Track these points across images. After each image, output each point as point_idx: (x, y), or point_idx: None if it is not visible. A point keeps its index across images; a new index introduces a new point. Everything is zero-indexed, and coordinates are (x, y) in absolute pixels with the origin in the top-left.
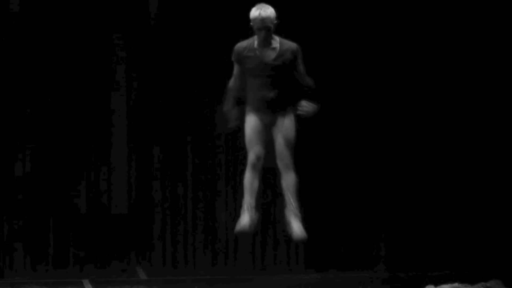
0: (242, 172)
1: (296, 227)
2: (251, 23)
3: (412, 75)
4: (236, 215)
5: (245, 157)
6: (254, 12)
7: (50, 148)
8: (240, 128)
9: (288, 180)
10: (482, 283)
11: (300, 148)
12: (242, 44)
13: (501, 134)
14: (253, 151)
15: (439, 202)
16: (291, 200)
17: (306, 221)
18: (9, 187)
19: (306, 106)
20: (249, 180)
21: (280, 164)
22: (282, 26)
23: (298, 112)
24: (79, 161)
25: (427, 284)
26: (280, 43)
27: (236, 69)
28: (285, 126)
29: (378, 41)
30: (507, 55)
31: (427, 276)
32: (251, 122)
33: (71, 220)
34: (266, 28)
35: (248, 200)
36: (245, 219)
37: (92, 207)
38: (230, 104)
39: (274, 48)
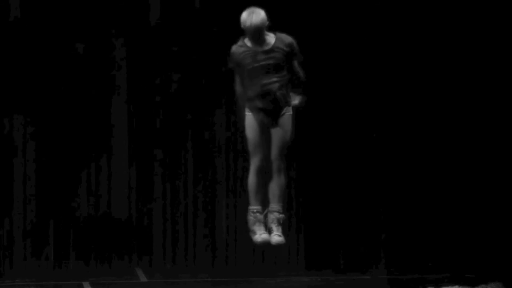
0: (242, 173)
1: (276, 233)
2: (242, 27)
3: (412, 75)
4: (236, 216)
5: (245, 158)
6: (245, 19)
7: (50, 150)
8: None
9: (278, 183)
10: (482, 285)
11: (300, 150)
12: (236, 47)
13: (501, 136)
14: (257, 156)
15: (439, 204)
16: (276, 203)
17: (306, 222)
18: (9, 190)
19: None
20: (255, 184)
21: (273, 165)
22: (281, 25)
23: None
24: (80, 163)
25: (427, 286)
26: (276, 38)
27: (237, 73)
28: (283, 127)
29: (378, 41)
30: (507, 55)
31: (427, 279)
32: (252, 125)
33: (71, 222)
34: (257, 32)
35: (254, 205)
36: (256, 237)
37: (92, 209)
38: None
39: (268, 43)
